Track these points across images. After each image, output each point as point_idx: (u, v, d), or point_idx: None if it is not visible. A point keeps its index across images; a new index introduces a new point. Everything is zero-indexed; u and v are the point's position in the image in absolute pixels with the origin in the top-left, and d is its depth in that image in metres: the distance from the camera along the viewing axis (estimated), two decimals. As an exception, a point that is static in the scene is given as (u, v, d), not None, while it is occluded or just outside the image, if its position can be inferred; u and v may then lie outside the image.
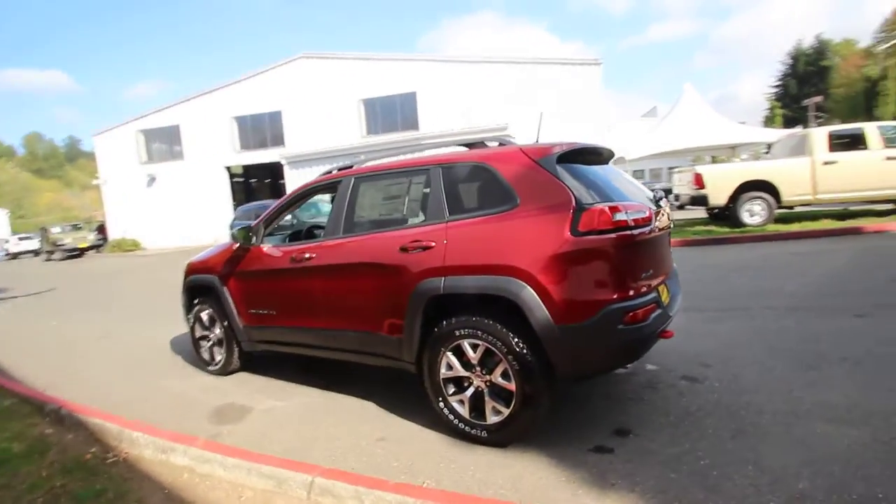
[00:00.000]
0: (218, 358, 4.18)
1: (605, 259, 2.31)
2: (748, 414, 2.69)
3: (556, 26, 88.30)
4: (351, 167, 3.58)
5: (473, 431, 2.60)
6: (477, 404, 2.61)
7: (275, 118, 21.53)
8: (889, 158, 8.51)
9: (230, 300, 3.90)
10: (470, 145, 3.06)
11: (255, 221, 3.82)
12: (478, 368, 2.58)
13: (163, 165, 23.46)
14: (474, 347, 2.56)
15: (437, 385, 2.71)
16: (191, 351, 4.95)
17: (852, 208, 10.41)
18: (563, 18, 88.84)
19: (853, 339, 3.60)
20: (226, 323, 3.99)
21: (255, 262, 3.72)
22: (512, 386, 2.45)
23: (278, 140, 21.57)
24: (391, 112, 19.67)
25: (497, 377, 2.50)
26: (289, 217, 11.16)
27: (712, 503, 1.99)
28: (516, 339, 2.40)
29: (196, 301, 4.27)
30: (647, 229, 2.43)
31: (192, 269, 4.37)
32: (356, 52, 20.20)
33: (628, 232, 2.33)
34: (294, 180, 18.68)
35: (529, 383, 2.40)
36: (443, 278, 2.60)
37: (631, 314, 2.30)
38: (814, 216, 9.96)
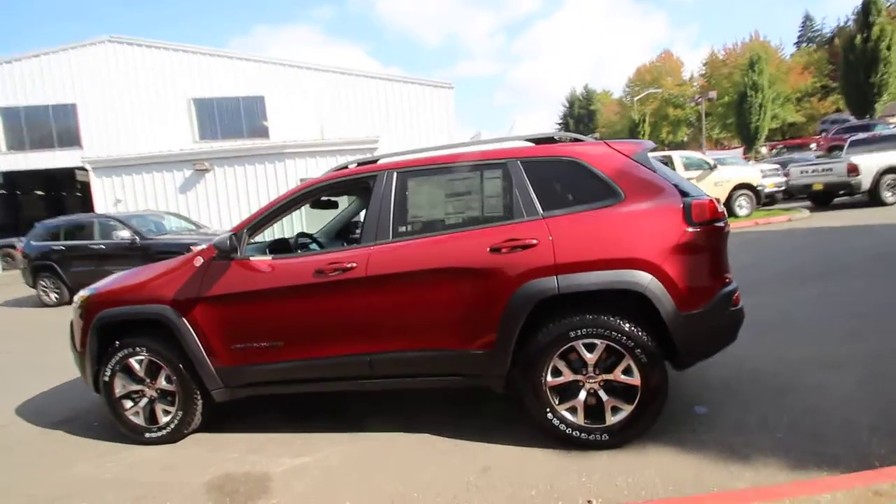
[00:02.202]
0: (165, 419, 3.03)
1: (712, 248, 2.50)
2: (766, 377, 3.19)
3: (375, 51, 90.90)
4: (375, 161, 3.07)
5: (592, 437, 2.47)
6: (590, 408, 2.49)
7: (65, 112, 16.81)
8: (688, 179, 11.29)
9: (194, 335, 2.89)
10: (537, 141, 2.94)
11: (236, 227, 2.94)
12: (591, 369, 2.47)
13: None
14: (590, 348, 2.45)
15: (543, 396, 2.49)
16: (77, 420, 3.58)
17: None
18: (382, 45, 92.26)
19: (768, 308, 4.60)
20: (181, 367, 2.94)
21: (244, 281, 2.85)
22: (636, 381, 2.41)
23: (70, 140, 16.90)
24: (234, 116, 17.40)
25: (619, 374, 2.43)
26: (98, 244, 8.50)
27: (837, 448, 2.29)
28: (643, 333, 2.39)
29: (118, 345, 3.03)
30: (727, 221, 2.70)
31: (105, 300, 3.11)
32: (183, 42, 17.29)
33: (724, 223, 2.56)
34: (104, 190, 14.86)
35: (656, 375, 2.41)
36: (555, 277, 2.42)
37: (735, 296, 2.53)
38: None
